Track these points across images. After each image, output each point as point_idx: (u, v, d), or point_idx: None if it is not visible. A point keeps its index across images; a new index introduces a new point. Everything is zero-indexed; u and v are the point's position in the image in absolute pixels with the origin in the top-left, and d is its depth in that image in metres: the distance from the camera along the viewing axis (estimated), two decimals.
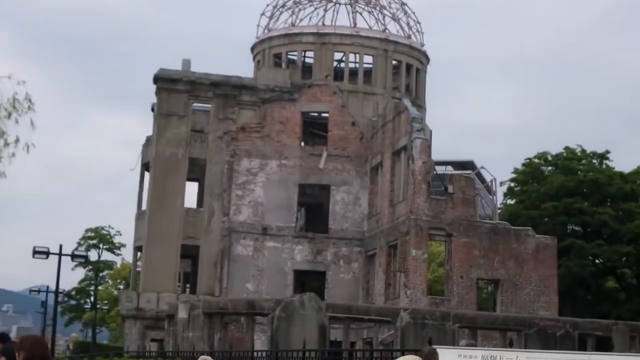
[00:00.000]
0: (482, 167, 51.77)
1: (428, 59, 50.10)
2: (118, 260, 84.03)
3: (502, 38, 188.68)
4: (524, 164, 56.25)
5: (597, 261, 51.95)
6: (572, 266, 47.65)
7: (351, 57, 48.50)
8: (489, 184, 49.62)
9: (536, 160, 56.23)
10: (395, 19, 48.69)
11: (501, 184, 54.89)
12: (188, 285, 50.22)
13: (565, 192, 51.27)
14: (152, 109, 47.05)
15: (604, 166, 54.84)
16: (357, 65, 48.34)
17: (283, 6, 48.97)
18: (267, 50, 48.49)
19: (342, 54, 48.05)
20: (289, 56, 49.07)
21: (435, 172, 40.90)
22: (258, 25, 50.01)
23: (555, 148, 57.66)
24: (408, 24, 48.87)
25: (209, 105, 45.78)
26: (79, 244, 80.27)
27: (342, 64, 48.59)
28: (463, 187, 39.33)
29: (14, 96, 15.28)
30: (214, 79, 45.14)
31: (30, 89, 15.37)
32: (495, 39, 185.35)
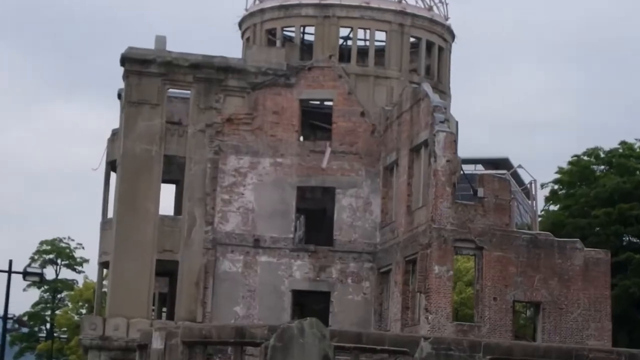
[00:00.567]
0: (520, 166, 51.70)
1: (453, 36, 50.08)
2: (80, 279, 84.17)
3: (544, 10, 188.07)
4: (570, 162, 56.28)
5: None
6: (629, 285, 47.67)
7: (360, 33, 48.45)
8: (528, 186, 49.56)
9: (585, 158, 56.28)
10: None
11: (542, 186, 54.96)
12: (164, 309, 50.27)
13: (621, 196, 51.30)
14: (119, 97, 47.11)
15: None
16: (368, 43, 48.34)
17: None
18: (258, 25, 48.44)
19: (349, 29, 48.00)
20: (285, 32, 49.04)
21: (462, 172, 40.83)
22: None
23: (608, 143, 57.64)
24: None
25: (188, 92, 45.80)
26: (33, 260, 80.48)
27: (349, 42, 48.58)
28: (496, 191, 39.26)
29: None
30: (194, 60, 45.11)
31: None
32: (537, 12, 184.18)
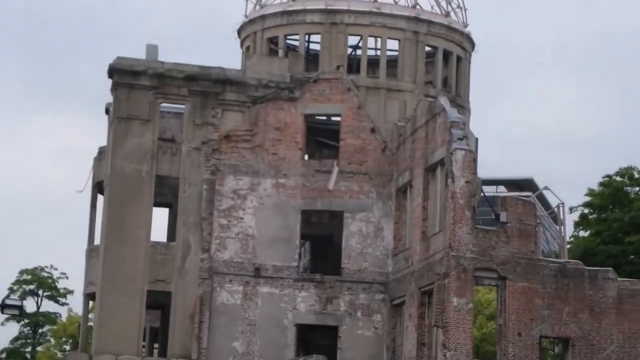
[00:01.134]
0: (546, 188, 51.57)
1: (473, 45, 50.16)
2: (63, 312, 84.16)
3: (573, 16, 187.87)
4: (601, 184, 56.15)
5: None
6: None
7: (370, 41, 48.56)
8: (555, 210, 49.43)
9: (618, 179, 56.14)
10: None
11: (571, 210, 54.81)
12: (156, 345, 50.14)
13: None
14: (107, 111, 47.17)
15: None
16: (379, 52, 48.42)
17: None
18: (258, 33, 48.61)
19: (358, 37, 48.12)
20: (289, 41, 49.19)
21: (483, 195, 40.75)
22: (247, 0, 50.26)
23: None
24: None
25: (182, 106, 45.87)
26: (12, 290, 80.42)
27: (359, 52, 48.69)
28: (520, 215, 39.14)
29: None
30: (189, 71, 45.21)
31: None
32: (565, 17, 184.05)
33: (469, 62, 50.08)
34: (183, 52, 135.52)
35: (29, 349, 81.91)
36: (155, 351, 49.85)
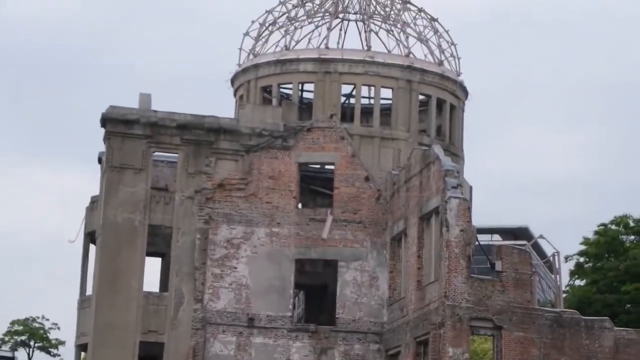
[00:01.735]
0: (541, 236, 51.48)
1: (466, 93, 50.38)
2: None
3: (563, 63, 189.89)
4: (597, 232, 56.10)
5: None
6: None
7: (364, 90, 48.74)
8: (550, 259, 49.32)
9: (613, 227, 56.09)
10: (422, 39, 49.14)
11: (567, 258, 54.68)
12: None
13: None
14: (100, 161, 47.13)
15: None
16: (372, 101, 48.59)
17: (274, 24, 49.54)
18: (252, 82, 48.77)
19: (352, 86, 48.31)
20: (282, 90, 49.37)
21: (477, 243, 40.69)
22: (241, 49, 50.55)
23: (638, 210, 57.53)
24: (439, 46, 49.32)
25: (176, 155, 45.86)
26: (3, 341, 79.89)
27: (352, 100, 48.84)
28: (516, 264, 39.03)
29: None
30: (182, 120, 45.27)
31: None
32: (555, 65, 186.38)
33: (463, 111, 50.27)
34: (176, 100, 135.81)
35: None
36: None
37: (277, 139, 45.50)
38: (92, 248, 46.13)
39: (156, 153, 45.90)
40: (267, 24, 49.72)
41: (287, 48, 48.23)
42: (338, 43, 49.15)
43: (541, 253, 52.94)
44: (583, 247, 56.37)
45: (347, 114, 47.83)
